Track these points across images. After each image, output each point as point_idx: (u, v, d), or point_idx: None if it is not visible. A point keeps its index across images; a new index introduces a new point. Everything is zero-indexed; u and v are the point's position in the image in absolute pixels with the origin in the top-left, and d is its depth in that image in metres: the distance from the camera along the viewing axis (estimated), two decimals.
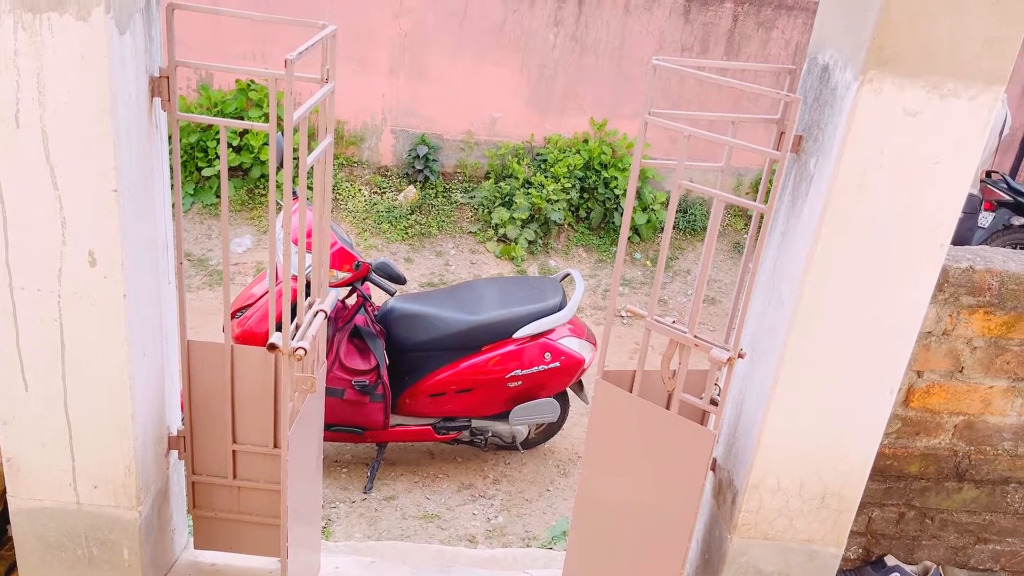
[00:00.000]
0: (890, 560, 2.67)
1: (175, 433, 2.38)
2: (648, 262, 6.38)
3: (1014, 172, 6.71)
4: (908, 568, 2.67)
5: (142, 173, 2.00)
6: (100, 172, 1.86)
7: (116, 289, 1.96)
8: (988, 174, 5.90)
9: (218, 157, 5.98)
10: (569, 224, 6.47)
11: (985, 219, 5.71)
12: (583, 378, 4.02)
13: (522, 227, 6.21)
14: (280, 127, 3.43)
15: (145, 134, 1.99)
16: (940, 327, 2.38)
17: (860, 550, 2.73)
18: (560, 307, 3.85)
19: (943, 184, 1.96)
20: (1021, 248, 5.78)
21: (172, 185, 2.17)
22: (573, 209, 6.47)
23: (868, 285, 2.05)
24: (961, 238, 4.81)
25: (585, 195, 6.47)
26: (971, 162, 1.95)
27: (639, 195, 6.50)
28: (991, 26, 1.80)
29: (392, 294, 3.85)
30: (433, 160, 6.54)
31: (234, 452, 2.36)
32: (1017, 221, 5.72)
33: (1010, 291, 2.32)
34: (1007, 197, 5.66)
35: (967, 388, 2.46)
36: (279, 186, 1.86)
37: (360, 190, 6.43)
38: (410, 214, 6.31)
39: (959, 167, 1.94)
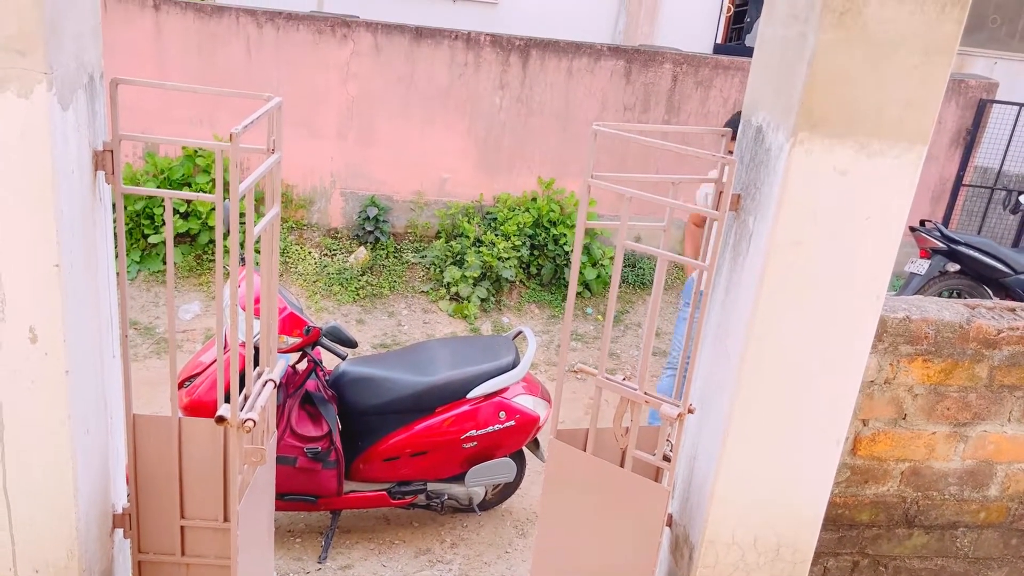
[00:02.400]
0: None
1: (120, 511, 2.31)
2: (599, 316, 6.44)
3: (946, 221, 6.97)
4: None
5: (85, 247, 1.98)
6: (42, 247, 1.83)
7: (58, 366, 1.92)
8: (922, 223, 6.13)
9: (164, 224, 5.92)
10: (521, 281, 6.51)
11: (921, 266, 5.90)
12: (539, 436, 4.01)
13: (474, 285, 6.23)
14: (226, 196, 3.43)
15: (88, 208, 1.97)
16: (882, 376, 2.44)
17: None
18: (513, 365, 3.85)
19: (876, 238, 2.03)
20: (957, 294, 5.98)
21: (116, 256, 2.15)
22: (524, 266, 6.53)
23: (810, 337, 2.11)
24: None
25: (535, 252, 6.53)
26: (901, 217, 2.03)
27: (588, 251, 6.59)
28: (911, 89, 1.90)
29: (343, 358, 3.82)
30: (383, 221, 6.56)
31: (182, 528, 2.30)
32: (951, 268, 5.92)
33: (946, 339, 2.40)
34: (941, 245, 5.87)
35: (911, 435, 2.52)
36: (227, 253, 1.86)
37: (310, 252, 6.40)
38: (361, 275, 6.30)
39: (890, 222, 2.03)
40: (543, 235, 6.51)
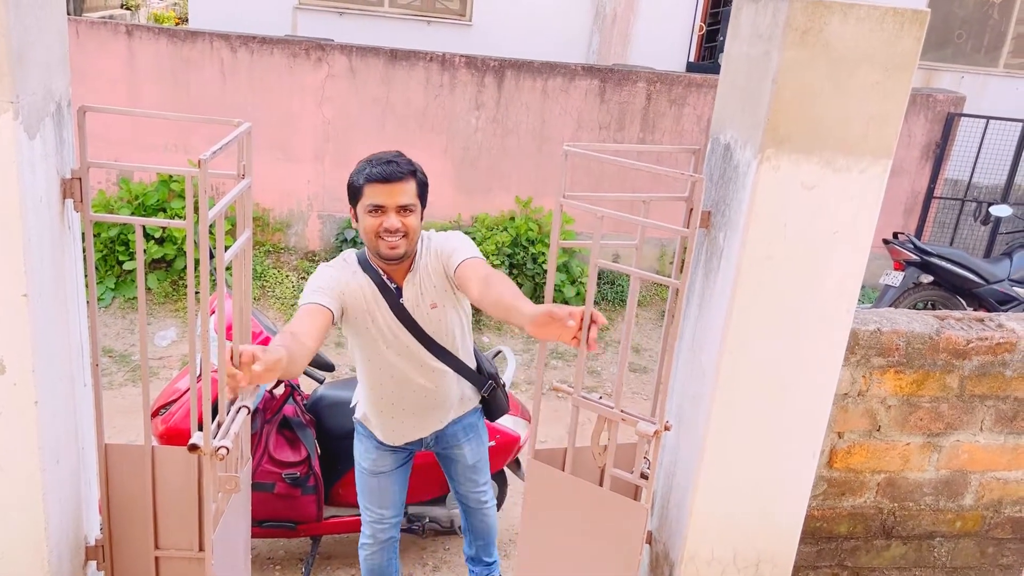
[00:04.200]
0: None
1: (93, 542, 2.28)
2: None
3: (919, 233, 7.05)
4: None
5: (54, 275, 1.96)
6: (9, 277, 1.82)
7: (27, 396, 1.89)
8: (895, 235, 6.20)
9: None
10: None
11: (895, 278, 5.96)
12: (520, 456, 3.99)
13: None
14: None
15: (57, 236, 1.96)
16: (855, 388, 2.46)
17: None
18: None
19: (844, 252, 2.06)
20: (931, 305, 6.05)
21: (87, 284, 2.13)
22: None
23: (783, 351, 2.12)
24: None
25: (514, 271, 6.54)
26: (868, 230, 2.05)
27: (567, 269, 6.61)
28: (873, 105, 1.93)
29: (321, 381, 3.79)
30: (361, 243, 6.54)
31: (157, 559, 2.27)
32: (925, 279, 5.98)
33: (916, 350, 2.43)
34: (914, 257, 5.94)
35: (886, 446, 2.54)
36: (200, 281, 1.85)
37: (287, 276, 6.37)
38: None
39: (857, 235, 2.05)
40: (522, 254, 6.52)
